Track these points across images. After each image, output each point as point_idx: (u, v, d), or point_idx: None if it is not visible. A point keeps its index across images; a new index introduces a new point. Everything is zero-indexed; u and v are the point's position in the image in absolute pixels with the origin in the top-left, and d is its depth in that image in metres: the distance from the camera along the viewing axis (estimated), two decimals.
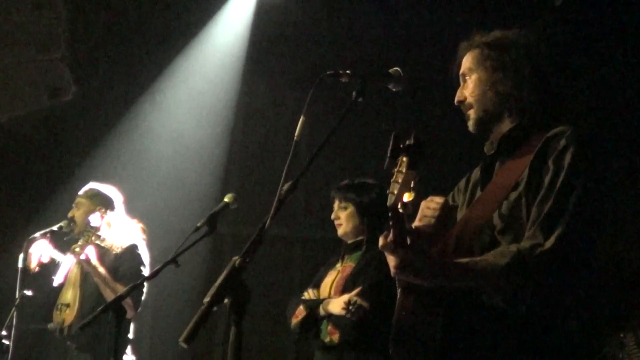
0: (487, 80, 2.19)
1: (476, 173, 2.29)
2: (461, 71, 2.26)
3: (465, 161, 2.43)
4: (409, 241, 1.86)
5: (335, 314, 3.52)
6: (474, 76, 2.22)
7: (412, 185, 1.84)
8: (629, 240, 5.34)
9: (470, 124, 2.23)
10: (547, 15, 5.46)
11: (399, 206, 1.84)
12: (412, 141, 1.85)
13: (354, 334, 3.50)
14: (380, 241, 1.88)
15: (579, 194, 1.95)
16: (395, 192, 1.85)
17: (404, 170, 1.84)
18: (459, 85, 2.29)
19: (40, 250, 4.23)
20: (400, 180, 1.84)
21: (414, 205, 1.92)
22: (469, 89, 2.22)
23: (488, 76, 2.19)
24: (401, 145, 1.86)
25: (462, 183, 2.34)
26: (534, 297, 1.94)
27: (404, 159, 1.85)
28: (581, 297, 2.00)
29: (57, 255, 4.32)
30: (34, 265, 4.22)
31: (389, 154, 1.86)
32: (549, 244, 1.90)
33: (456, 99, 2.25)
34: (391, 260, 1.91)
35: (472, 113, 2.21)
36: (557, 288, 1.95)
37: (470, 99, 2.21)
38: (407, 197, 1.84)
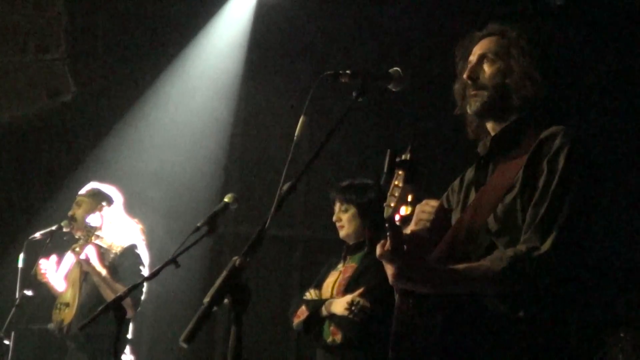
0: (520, 72, 2.13)
1: (470, 173, 2.27)
2: (482, 51, 2.20)
3: (463, 161, 2.42)
4: (406, 249, 1.87)
5: (338, 314, 3.53)
6: (500, 63, 2.16)
7: (409, 200, 1.84)
8: (626, 239, 5.34)
9: (477, 103, 2.16)
10: (547, 15, 5.46)
11: (397, 220, 1.85)
12: (407, 156, 1.86)
13: (356, 334, 3.51)
14: (378, 250, 1.88)
15: (574, 195, 1.94)
16: (392, 204, 1.85)
17: (400, 185, 1.85)
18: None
19: (49, 267, 4.25)
20: (397, 194, 1.85)
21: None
22: (487, 72, 2.17)
23: (521, 69, 2.13)
24: (397, 160, 1.86)
25: (456, 183, 2.32)
26: (533, 301, 1.94)
27: (400, 172, 1.86)
28: (579, 298, 2.00)
29: (57, 280, 4.34)
30: (40, 277, 4.24)
31: (385, 170, 1.87)
32: (545, 247, 1.90)
33: (468, 74, 2.18)
34: (389, 269, 1.91)
35: (482, 94, 2.16)
36: (555, 291, 1.95)
37: (486, 82, 2.16)
38: (404, 211, 1.85)
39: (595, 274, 2.01)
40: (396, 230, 1.84)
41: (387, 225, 1.84)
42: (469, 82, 2.19)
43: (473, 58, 2.22)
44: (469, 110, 2.20)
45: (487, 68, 2.18)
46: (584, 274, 1.98)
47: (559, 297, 1.96)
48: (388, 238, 1.84)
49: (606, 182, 2.08)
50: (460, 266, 1.95)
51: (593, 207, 1.99)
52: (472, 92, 2.18)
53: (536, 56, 2.15)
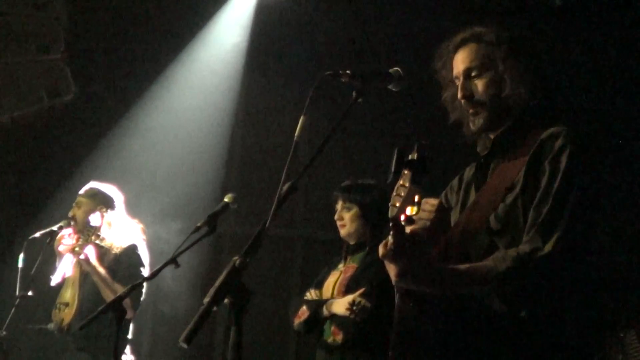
0: (512, 80, 2.10)
1: (469, 172, 2.27)
2: (465, 65, 2.17)
3: (462, 161, 2.42)
4: (408, 249, 1.86)
5: (339, 314, 3.52)
6: (489, 74, 2.13)
7: (415, 200, 1.84)
8: (628, 239, 5.34)
9: (480, 123, 2.14)
10: (547, 15, 5.46)
11: (401, 219, 1.84)
12: (415, 156, 1.85)
13: (357, 334, 3.50)
14: (380, 250, 1.88)
15: (576, 196, 1.94)
16: (398, 204, 1.85)
17: (407, 185, 1.85)
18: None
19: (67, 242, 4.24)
20: (403, 194, 1.85)
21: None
22: (480, 87, 2.14)
23: (512, 77, 2.11)
24: (404, 160, 1.86)
25: (454, 182, 2.32)
26: (534, 301, 1.94)
27: (407, 172, 1.85)
28: (581, 298, 2.00)
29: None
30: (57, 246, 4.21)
31: (392, 169, 1.86)
32: (548, 247, 1.90)
33: (463, 94, 2.16)
34: (391, 269, 1.90)
35: (482, 111, 2.14)
36: (557, 291, 1.95)
37: (482, 97, 2.13)
38: (409, 211, 1.84)
39: (597, 274, 2.01)
40: (399, 230, 1.84)
41: (390, 224, 1.84)
42: (464, 100, 2.16)
43: (458, 73, 2.19)
44: (472, 129, 2.16)
45: (478, 82, 2.15)
46: (585, 275, 1.98)
47: (560, 298, 1.96)
48: (391, 237, 1.84)
49: (608, 183, 2.07)
50: (463, 266, 1.95)
51: (595, 207, 1.99)
52: (471, 111, 2.16)
53: (523, 58, 2.13)
